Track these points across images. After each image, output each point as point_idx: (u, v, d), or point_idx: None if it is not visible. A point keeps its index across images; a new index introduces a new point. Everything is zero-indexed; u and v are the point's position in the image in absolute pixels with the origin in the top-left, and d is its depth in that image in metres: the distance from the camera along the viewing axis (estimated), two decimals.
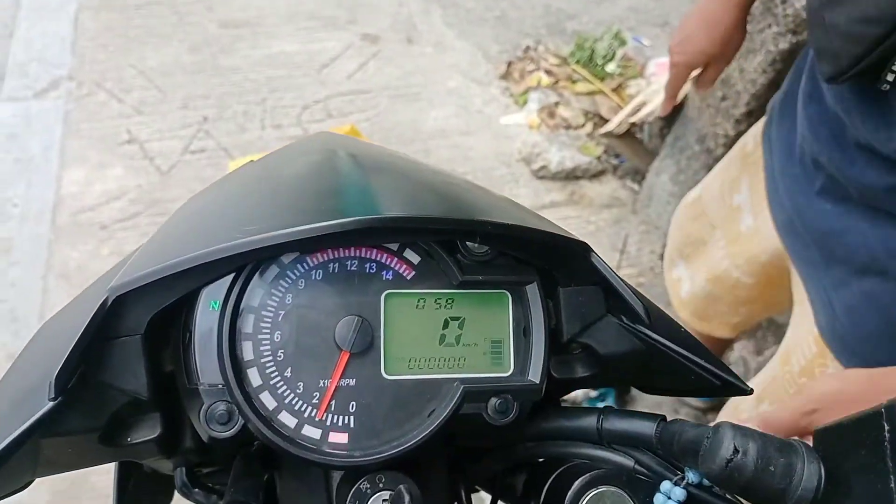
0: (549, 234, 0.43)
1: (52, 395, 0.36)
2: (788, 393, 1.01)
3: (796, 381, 1.00)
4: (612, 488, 0.43)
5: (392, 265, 0.45)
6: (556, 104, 2.69)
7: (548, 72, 2.82)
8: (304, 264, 0.44)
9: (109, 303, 0.38)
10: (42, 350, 0.46)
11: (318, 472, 0.49)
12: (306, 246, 0.42)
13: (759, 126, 1.17)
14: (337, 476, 0.48)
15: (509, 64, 2.88)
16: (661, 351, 0.45)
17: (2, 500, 0.41)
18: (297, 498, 0.49)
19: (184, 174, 2.42)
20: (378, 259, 0.45)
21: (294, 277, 0.44)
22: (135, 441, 0.43)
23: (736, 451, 0.37)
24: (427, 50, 2.93)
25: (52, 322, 0.51)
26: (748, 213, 1.17)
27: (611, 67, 2.81)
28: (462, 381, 0.44)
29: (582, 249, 0.45)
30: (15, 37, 2.88)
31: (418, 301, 0.45)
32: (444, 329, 0.45)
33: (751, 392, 0.45)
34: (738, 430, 0.38)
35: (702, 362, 0.44)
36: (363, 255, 0.45)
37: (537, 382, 0.45)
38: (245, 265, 0.42)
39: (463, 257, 0.45)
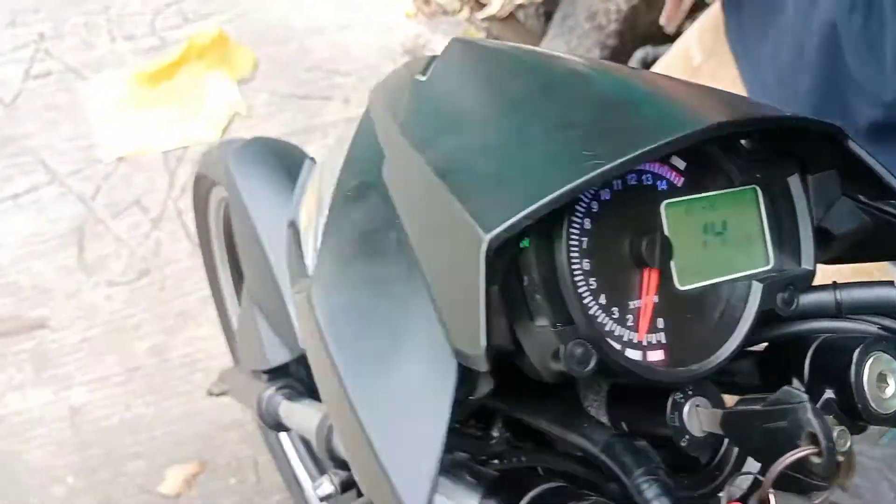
0: (816, 121, 0.43)
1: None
2: None
3: None
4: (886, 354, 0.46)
5: (664, 174, 0.44)
6: None
7: None
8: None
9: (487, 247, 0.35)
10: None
11: None
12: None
13: (704, 24, 1.00)
14: None
15: None
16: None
17: None
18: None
19: (32, 104, 2.08)
20: (651, 169, 0.44)
21: (587, 200, 0.42)
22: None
23: None
24: None
25: None
26: None
27: None
28: (751, 277, 0.45)
29: (840, 134, 0.46)
30: None
31: (690, 207, 0.45)
32: (707, 233, 0.45)
33: None
34: None
35: None
36: (639, 167, 0.43)
37: (811, 269, 0.46)
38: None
39: (737, 156, 0.45)
